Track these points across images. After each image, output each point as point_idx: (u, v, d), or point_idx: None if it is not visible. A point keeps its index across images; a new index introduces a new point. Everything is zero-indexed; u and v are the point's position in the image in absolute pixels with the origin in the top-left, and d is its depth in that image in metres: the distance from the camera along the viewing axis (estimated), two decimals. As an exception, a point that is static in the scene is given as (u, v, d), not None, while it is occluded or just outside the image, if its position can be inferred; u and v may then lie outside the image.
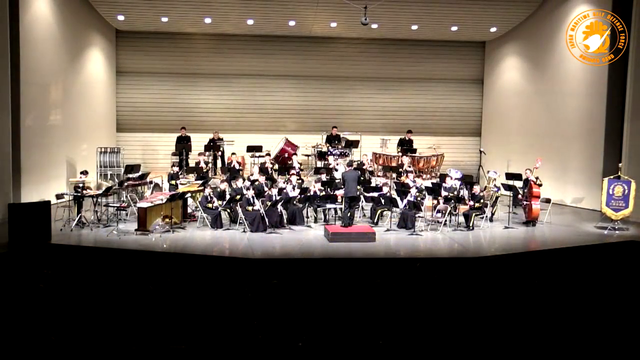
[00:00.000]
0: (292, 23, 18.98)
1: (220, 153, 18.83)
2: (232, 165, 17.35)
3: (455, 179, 15.50)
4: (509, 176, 15.79)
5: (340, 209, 14.59)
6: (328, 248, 12.89)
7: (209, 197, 14.43)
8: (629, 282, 11.13)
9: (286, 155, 18.43)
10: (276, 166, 17.72)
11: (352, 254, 12.49)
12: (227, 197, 14.59)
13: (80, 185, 14.29)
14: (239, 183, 15.05)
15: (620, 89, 16.19)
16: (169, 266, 11.68)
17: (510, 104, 19.80)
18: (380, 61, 20.85)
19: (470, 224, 14.49)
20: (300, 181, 16.23)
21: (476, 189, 14.88)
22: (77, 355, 7.81)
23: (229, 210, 14.59)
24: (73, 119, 17.38)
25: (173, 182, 15.85)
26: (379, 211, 14.97)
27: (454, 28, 19.36)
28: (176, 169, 16.40)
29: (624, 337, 8.63)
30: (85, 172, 14.91)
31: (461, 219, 14.76)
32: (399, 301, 9.89)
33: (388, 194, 15.18)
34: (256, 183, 15.19)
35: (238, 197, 14.35)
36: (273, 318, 8.99)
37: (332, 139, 18.96)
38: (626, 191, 14.43)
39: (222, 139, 18.83)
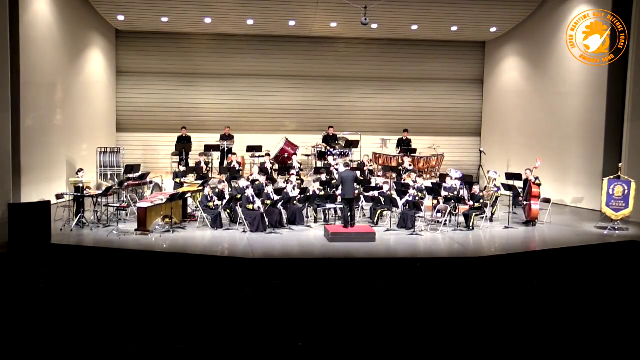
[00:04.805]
0: (292, 23, 18.97)
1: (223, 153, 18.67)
2: (232, 165, 17.34)
3: (455, 179, 15.49)
4: (509, 176, 15.79)
5: (341, 209, 14.58)
6: (328, 248, 12.89)
7: (208, 196, 14.43)
8: (629, 282, 11.13)
9: (286, 155, 18.43)
10: (276, 166, 17.71)
11: (352, 254, 12.50)
12: (227, 197, 14.58)
13: (80, 184, 14.27)
14: (239, 183, 15.05)
15: (620, 89, 16.19)
16: (169, 266, 11.69)
17: (510, 104, 19.80)
18: (380, 61, 20.83)
19: (470, 224, 14.49)
20: (300, 181, 16.23)
21: (476, 189, 14.88)
22: (77, 355, 7.81)
23: (229, 210, 14.59)
24: (73, 119, 17.37)
25: (178, 180, 15.86)
26: (379, 211, 14.97)
27: (454, 28, 19.35)
28: (183, 168, 16.42)
29: (624, 337, 8.63)
30: (80, 170, 14.79)
31: (461, 219, 14.76)
32: (399, 301, 9.89)
33: (388, 192, 15.18)
34: (256, 183, 15.19)
35: (238, 196, 14.36)
36: (273, 318, 8.99)
37: (329, 139, 18.94)
38: (626, 191, 14.43)
39: (232, 137, 18.71)
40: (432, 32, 19.91)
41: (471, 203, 14.66)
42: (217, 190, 14.75)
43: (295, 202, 14.76)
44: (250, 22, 18.80)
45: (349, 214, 13.77)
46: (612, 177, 14.86)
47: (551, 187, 16.68)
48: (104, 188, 14.96)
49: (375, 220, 14.92)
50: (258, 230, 13.80)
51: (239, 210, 14.21)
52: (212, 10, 18.22)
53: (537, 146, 18.05)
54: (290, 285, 10.55)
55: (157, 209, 13.87)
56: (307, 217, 14.87)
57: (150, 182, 16.30)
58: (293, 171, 16.34)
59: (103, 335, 8.35)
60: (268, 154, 18.08)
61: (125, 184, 15.32)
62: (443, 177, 15.98)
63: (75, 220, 13.84)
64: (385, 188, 15.52)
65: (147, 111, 20.34)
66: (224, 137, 18.66)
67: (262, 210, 13.97)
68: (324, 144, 18.79)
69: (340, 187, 14.09)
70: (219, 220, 14.22)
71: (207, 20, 18.69)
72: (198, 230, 14.12)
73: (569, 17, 16.71)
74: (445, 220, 14.62)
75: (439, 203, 14.83)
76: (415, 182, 15.47)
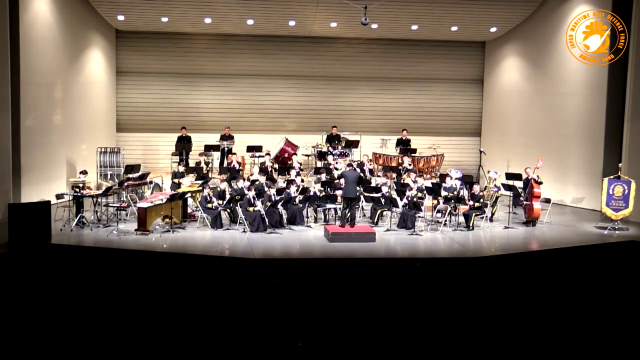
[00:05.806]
0: (292, 23, 18.98)
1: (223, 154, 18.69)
2: (232, 165, 17.34)
3: (456, 179, 15.49)
4: (509, 176, 15.80)
5: (341, 209, 14.57)
6: (328, 248, 12.90)
7: (208, 197, 14.43)
8: (629, 282, 11.13)
9: (286, 155, 18.43)
10: (276, 166, 17.71)
11: (352, 254, 12.49)
12: (227, 197, 14.58)
13: (80, 185, 14.28)
14: (240, 183, 15.05)
15: (620, 89, 16.20)
16: (169, 266, 11.69)
17: (510, 104, 19.80)
18: (380, 61, 20.83)
19: (470, 224, 14.49)
20: (301, 182, 16.23)
21: (476, 189, 14.88)
22: (77, 355, 7.81)
23: (229, 210, 14.59)
24: (73, 119, 17.38)
25: (176, 180, 15.85)
26: (379, 211, 14.97)
27: (454, 28, 19.35)
28: (182, 168, 16.41)
29: (624, 337, 8.63)
30: (84, 172, 14.89)
31: (461, 219, 14.76)
32: (399, 301, 9.89)
33: (387, 193, 15.17)
34: (256, 183, 15.19)
35: (238, 197, 14.36)
36: (273, 318, 8.99)
37: (332, 139, 18.96)
38: (626, 191, 14.43)
39: (232, 137, 18.72)
40: (432, 32, 19.91)
41: (471, 203, 14.66)
42: (218, 189, 14.75)
43: (295, 202, 14.76)
44: (250, 22, 18.80)
45: (348, 213, 13.77)
46: (612, 177, 14.86)
47: (551, 187, 16.68)
48: (104, 188, 14.97)
49: (375, 220, 14.92)
50: (258, 230, 13.80)
51: (239, 210, 14.21)
52: (212, 10, 18.23)
53: (537, 146, 18.05)
54: (290, 285, 10.55)
55: (157, 209, 13.87)
56: (307, 217, 14.87)
57: (150, 182, 16.31)
58: (293, 172, 16.31)
59: (103, 335, 8.35)
60: (268, 154, 18.08)
61: (125, 184, 15.32)
62: (443, 177, 15.97)
63: (75, 220, 13.84)
64: (385, 189, 15.51)
65: (147, 111, 20.34)
66: (224, 137, 18.67)
67: (262, 210, 13.96)
68: (326, 144, 18.80)
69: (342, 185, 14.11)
70: (219, 220, 14.22)
71: (207, 20, 18.70)
72: (198, 230, 14.12)
73: (569, 17, 16.72)
74: (445, 220, 14.61)
75: (439, 203, 14.83)
76: (415, 182, 15.47)
